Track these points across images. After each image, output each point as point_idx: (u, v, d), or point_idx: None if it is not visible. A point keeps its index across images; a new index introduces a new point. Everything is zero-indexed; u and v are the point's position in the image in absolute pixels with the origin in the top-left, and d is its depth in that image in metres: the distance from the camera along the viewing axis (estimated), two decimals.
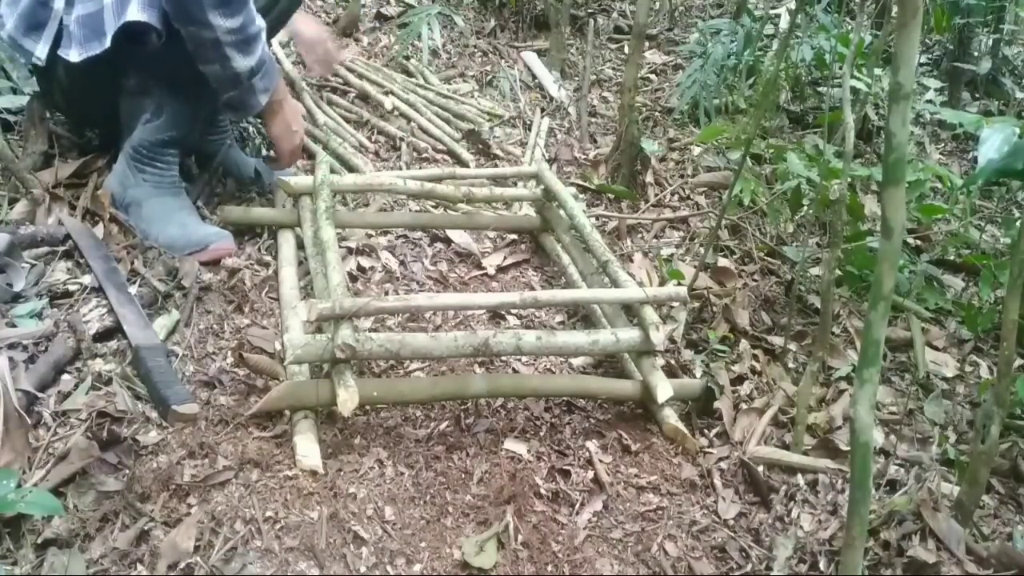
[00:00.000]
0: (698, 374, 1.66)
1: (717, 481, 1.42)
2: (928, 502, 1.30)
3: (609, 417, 1.51)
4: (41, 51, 1.52)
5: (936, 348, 1.88)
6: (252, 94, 1.57)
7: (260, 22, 1.51)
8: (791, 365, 1.75)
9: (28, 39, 1.53)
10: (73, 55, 1.48)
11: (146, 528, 1.06)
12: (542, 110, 2.88)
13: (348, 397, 1.23)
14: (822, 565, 1.26)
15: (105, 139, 1.74)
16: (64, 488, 1.09)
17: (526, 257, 1.98)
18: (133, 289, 1.44)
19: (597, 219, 2.18)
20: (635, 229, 2.21)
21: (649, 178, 2.40)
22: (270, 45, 1.95)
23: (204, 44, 1.47)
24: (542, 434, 1.43)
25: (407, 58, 2.88)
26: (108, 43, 1.45)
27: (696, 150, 2.69)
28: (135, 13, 1.42)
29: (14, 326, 1.31)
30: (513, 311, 1.72)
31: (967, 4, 3.09)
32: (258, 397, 1.32)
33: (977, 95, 3.59)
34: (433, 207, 2.09)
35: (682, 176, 2.55)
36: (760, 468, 1.42)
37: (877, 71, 2.59)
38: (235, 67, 1.50)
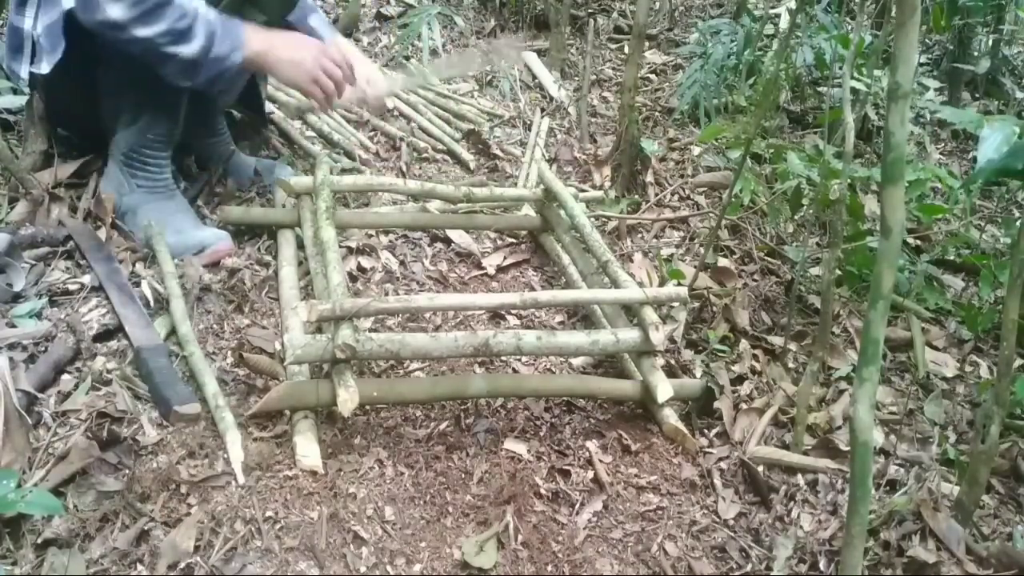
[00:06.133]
0: (698, 374, 1.66)
1: (717, 481, 1.42)
2: (928, 502, 1.30)
3: (609, 417, 1.51)
4: (24, 71, 1.54)
5: (936, 348, 1.88)
6: (220, 63, 1.45)
7: (193, 7, 1.40)
8: (791, 365, 1.75)
9: (15, 62, 1.56)
10: (44, 67, 1.49)
11: (146, 528, 1.06)
12: (542, 110, 2.88)
13: (348, 397, 1.23)
14: (822, 565, 1.26)
15: (104, 141, 1.74)
16: (64, 488, 1.09)
17: (526, 257, 1.98)
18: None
19: (597, 219, 2.18)
20: (635, 229, 2.21)
21: (649, 178, 2.40)
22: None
23: (146, 53, 1.41)
24: (542, 434, 1.43)
25: (407, 58, 2.88)
26: (64, 43, 1.44)
27: (696, 150, 2.69)
28: (69, 1, 1.40)
29: (14, 326, 1.31)
30: (513, 311, 1.72)
31: (967, 4, 3.09)
32: (258, 397, 1.32)
33: (977, 95, 3.59)
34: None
35: (682, 176, 2.55)
36: (760, 468, 1.42)
37: (877, 71, 2.59)
38: (186, 56, 1.41)
